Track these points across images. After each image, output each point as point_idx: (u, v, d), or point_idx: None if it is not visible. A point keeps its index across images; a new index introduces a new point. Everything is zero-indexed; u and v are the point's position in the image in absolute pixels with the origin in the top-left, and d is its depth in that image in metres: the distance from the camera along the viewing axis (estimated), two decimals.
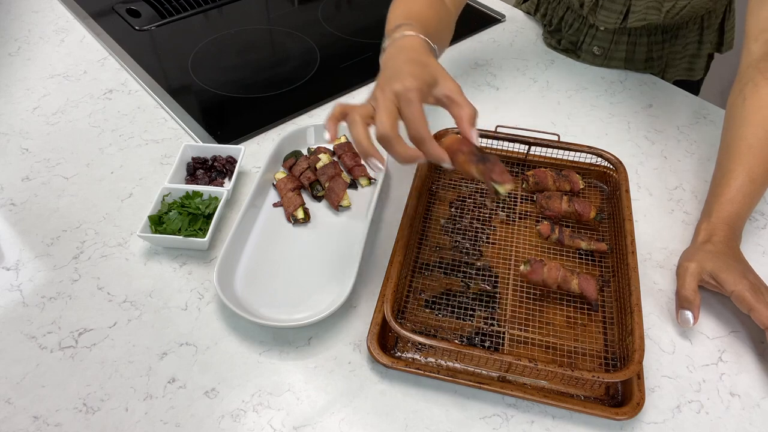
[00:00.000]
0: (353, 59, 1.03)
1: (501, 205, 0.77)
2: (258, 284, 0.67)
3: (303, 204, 0.74)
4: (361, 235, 0.69)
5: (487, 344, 0.63)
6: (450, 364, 0.61)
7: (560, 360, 0.61)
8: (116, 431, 0.55)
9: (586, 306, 0.66)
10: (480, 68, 1.02)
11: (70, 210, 0.75)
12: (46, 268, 0.68)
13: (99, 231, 0.73)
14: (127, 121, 0.88)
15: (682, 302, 0.65)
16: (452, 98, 0.57)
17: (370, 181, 0.79)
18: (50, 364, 0.60)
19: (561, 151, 0.79)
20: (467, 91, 0.96)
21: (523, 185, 0.79)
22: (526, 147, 0.79)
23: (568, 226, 0.74)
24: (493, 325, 0.64)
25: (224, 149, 0.80)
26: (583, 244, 0.70)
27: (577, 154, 0.80)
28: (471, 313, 0.65)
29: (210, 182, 0.77)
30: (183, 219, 0.71)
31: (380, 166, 0.55)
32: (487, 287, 0.68)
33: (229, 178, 0.77)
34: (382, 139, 0.54)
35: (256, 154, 0.84)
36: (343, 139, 0.82)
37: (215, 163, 0.79)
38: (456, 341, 0.63)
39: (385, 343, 0.62)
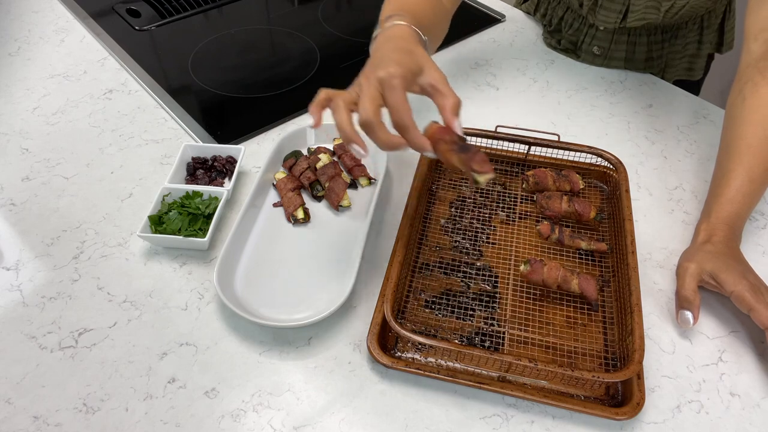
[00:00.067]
0: (353, 59, 1.03)
1: (501, 205, 0.77)
2: (258, 284, 0.67)
3: (303, 204, 0.74)
4: (361, 235, 0.69)
5: (487, 344, 0.63)
6: (450, 364, 0.61)
7: (560, 360, 0.61)
8: (116, 431, 0.55)
9: (586, 306, 0.66)
10: (480, 68, 1.02)
11: (70, 210, 0.75)
12: (46, 268, 0.68)
13: (99, 231, 0.73)
14: (127, 121, 0.88)
15: (681, 302, 0.65)
16: (436, 87, 0.57)
17: (370, 181, 0.79)
18: (50, 364, 0.60)
19: (561, 151, 0.79)
20: (467, 91, 0.97)
21: (523, 185, 0.79)
22: (526, 147, 0.79)
23: (568, 226, 0.74)
24: (493, 325, 0.64)
25: (224, 149, 0.80)
26: (583, 244, 0.70)
27: (577, 154, 0.80)
28: (471, 313, 0.65)
29: (210, 182, 0.77)
30: (183, 219, 0.71)
31: (362, 152, 0.55)
32: (487, 287, 0.68)
33: (229, 178, 0.77)
34: (364, 125, 0.54)
35: (256, 154, 0.84)
36: None
37: (215, 163, 0.79)
38: (456, 341, 0.63)
39: (385, 343, 0.62)
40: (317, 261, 0.70)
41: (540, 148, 0.79)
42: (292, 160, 0.80)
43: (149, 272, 0.68)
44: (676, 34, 0.99)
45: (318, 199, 0.77)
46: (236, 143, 0.85)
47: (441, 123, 0.57)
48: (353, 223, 0.75)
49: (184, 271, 0.69)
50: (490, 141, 0.80)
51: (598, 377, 0.55)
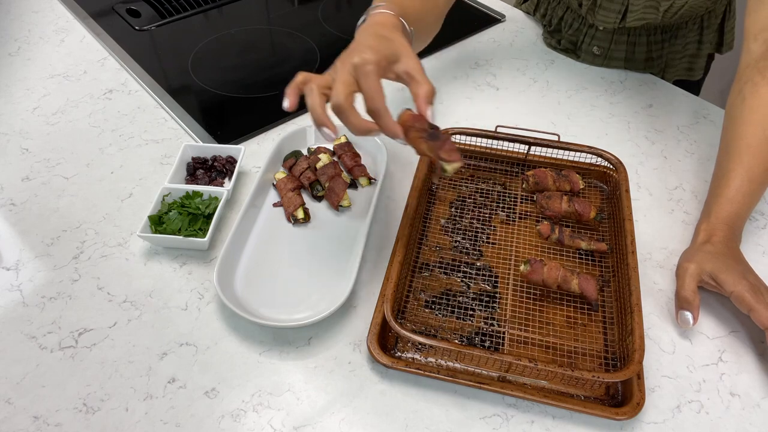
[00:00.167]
0: None
1: (501, 205, 0.77)
2: (258, 284, 0.67)
3: (303, 204, 0.74)
4: (361, 235, 0.69)
5: (487, 344, 0.63)
6: (450, 364, 0.61)
7: (560, 360, 0.61)
8: (116, 431, 0.55)
9: (586, 306, 0.66)
10: (480, 68, 1.02)
11: (70, 210, 0.75)
12: (46, 268, 0.68)
13: (99, 231, 0.73)
14: (127, 121, 0.88)
15: (681, 303, 0.65)
16: (412, 75, 0.57)
17: (370, 181, 0.79)
18: (50, 364, 0.60)
19: (561, 151, 0.79)
20: (467, 91, 0.97)
21: (523, 185, 0.79)
22: (526, 147, 0.79)
23: (568, 226, 0.74)
24: (493, 325, 0.64)
25: (224, 149, 0.80)
26: (583, 244, 0.70)
27: (577, 154, 0.80)
28: (471, 313, 0.65)
29: (210, 182, 0.77)
30: (183, 219, 0.71)
31: (332, 135, 0.55)
32: (487, 287, 0.68)
33: (229, 178, 0.77)
34: (335, 109, 0.54)
35: (256, 154, 0.84)
36: (343, 139, 0.82)
37: (215, 163, 0.79)
38: (456, 341, 0.63)
39: (385, 343, 0.62)
40: (317, 261, 0.70)
41: (540, 148, 0.79)
42: (292, 160, 0.80)
43: (149, 272, 0.68)
44: (676, 34, 0.99)
45: (318, 199, 0.77)
46: (236, 143, 0.85)
47: (415, 111, 0.57)
48: (353, 223, 0.75)
49: (184, 271, 0.69)
50: (490, 141, 0.80)
51: (598, 377, 0.55)
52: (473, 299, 0.67)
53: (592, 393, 0.59)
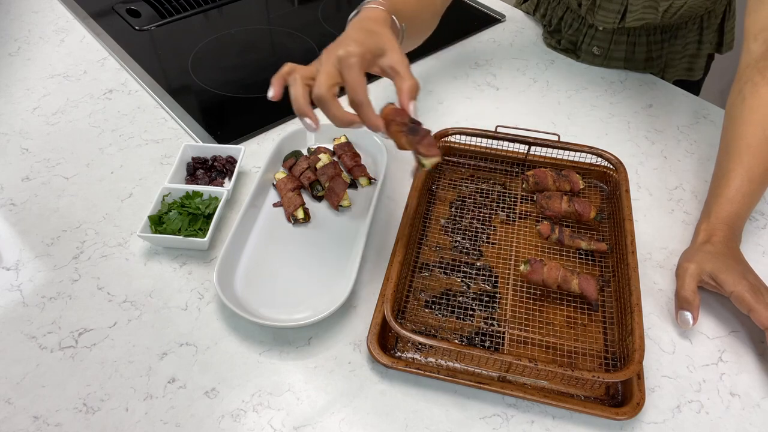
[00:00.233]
0: None
1: (501, 205, 0.77)
2: (258, 284, 0.67)
3: (303, 204, 0.74)
4: (361, 235, 0.69)
5: (487, 344, 0.63)
6: (450, 364, 0.61)
7: (560, 360, 0.61)
8: (116, 431, 0.55)
9: (586, 306, 0.66)
10: (480, 68, 1.02)
11: (70, 210, 0.75)
12: (46, 268, 0.68)
13: (99, 231, 0.73)
14: (127, 121, 0.88)
15: (681, 303, 0.65)
16: (396, 69, 0.57)
17: (370, 181, 0.79)
18: (50, 364, 0.60)
19: (561, 151, 0.79)
20: (467, 91, 0.97)
21: (523, 185, 0.79)
22: (526, 147, 0.79)
23: (568, 226, 0.74)
24: (493, 325, 0.64)
25: (224, 149, 0.80)
26: (583, 244, 0.70)
27: (577, 154, 0.80)
28: (471, 313, 0.65)
29: (210, 182, 0.77)
30: (183, 219, 0.71)
31: (313, 125, 0.56)
32: (487, 287, 0.68)
33: (229, 178, 0.77)
34: (317, 100, 0.55)
35: (256, 154, 0.84)
36: (343, 139, 0.82)
37: (215, 163, 0.79)
38: (456, 341, 0.63)
39: (385, 343, 0.62)
40: (317, 261, 0.70)
41: (540, 148, 0.79)
42: (292, 160, 0.80)
43: (149, 272, 0.68)
44: (676, 34, 0.99)
45: (318, 199, 0.77)
46: (236, 143, 0.85)
47: (398, 105, 0.57)
48: (353, 223, 0.75)
49: (184, 271, 0.69)
50: (490, 141, 0.80)
51: (598, 377, 0.55)
52: (473, 299, 0.67)
53: (592, 393, 0.59)
